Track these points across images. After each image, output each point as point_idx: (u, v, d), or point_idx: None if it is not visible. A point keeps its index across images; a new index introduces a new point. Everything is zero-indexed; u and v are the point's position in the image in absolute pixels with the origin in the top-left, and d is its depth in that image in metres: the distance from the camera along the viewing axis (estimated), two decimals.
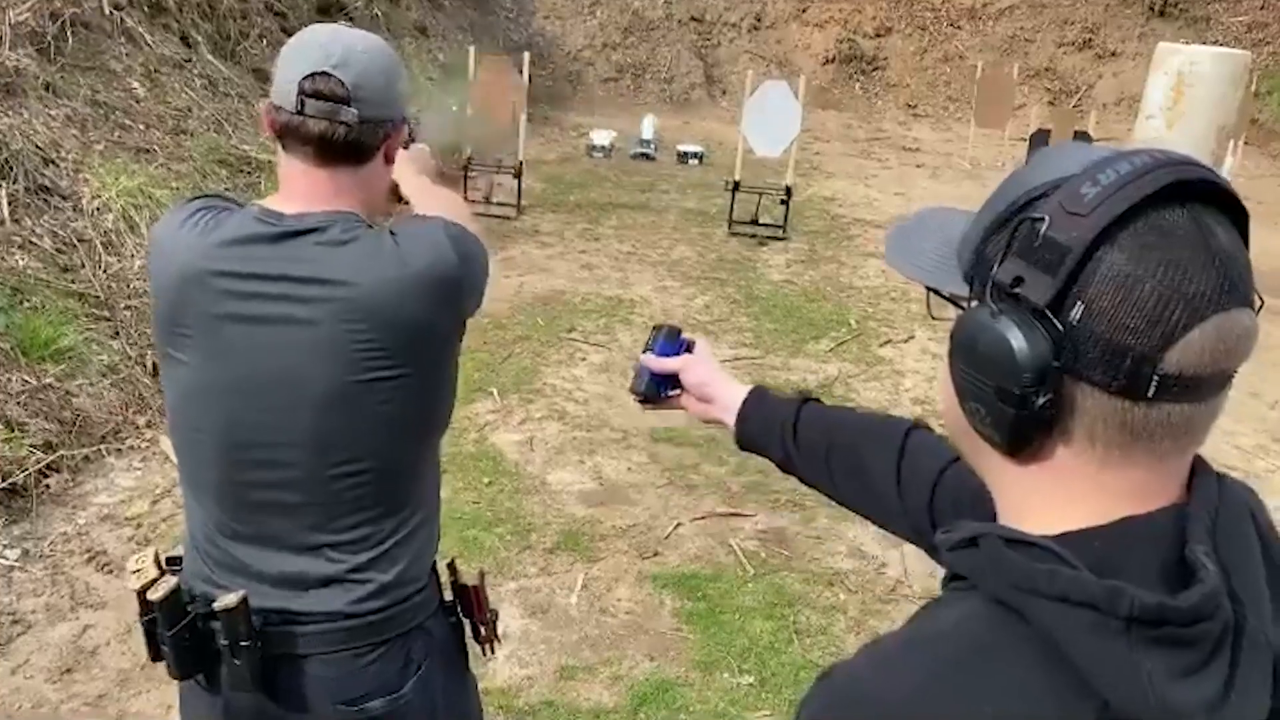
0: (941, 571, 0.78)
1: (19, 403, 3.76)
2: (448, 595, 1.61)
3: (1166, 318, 0.64)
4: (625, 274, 6.93)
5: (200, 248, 1.36)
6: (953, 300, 0.76)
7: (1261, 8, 14.34)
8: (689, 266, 7.19)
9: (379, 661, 1.43)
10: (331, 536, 1.41)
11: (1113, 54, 14.42)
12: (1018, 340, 0.66)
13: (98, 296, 4.48)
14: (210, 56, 7.04)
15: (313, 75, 1.33)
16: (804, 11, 14.72)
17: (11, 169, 4.62)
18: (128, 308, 4.54)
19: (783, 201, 7.93)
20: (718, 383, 1.32)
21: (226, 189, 5.90)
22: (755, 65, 12.60)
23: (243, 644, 1.36)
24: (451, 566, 1.62)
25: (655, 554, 3.67)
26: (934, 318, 0.80)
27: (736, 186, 7.81)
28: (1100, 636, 0.62)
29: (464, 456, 4.19)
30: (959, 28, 14.82)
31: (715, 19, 14.55)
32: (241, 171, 6.28)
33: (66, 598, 3.18)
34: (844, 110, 13.84)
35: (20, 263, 4.35)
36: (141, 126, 5.78)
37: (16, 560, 3.31)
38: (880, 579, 3.60)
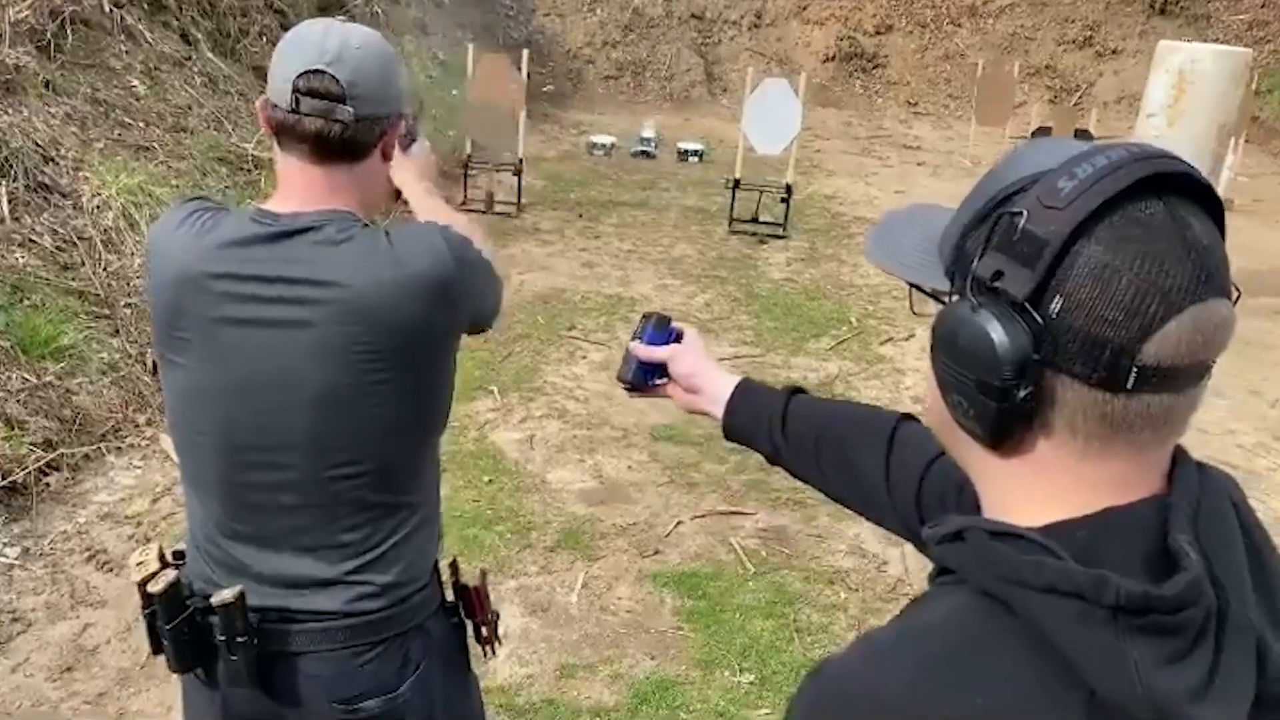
0: None
1: (19, 401, 3.76)
2: (449, 595, 1.60)
3: (1144, 309, 0.64)
4: (626, 272, 6.92)
5: (197, 249, 1.36)
6: (934, 296, 0.76)
7: (1262, 6, 14.32)
8: (689, 264, 7.19)
9: (376, 661, 1.43)
10: (330, 538, 1.41)
11: (1113, 52, 14.40)
12: (998, 334, 0.67)
13: (98, 294, 4.47)
14: (210, 54, 7.03)
15: (307, 73, 1.32)
16: (804, 9, 14.70)
17: (11, 167, 4.62)
18: (128, 305, 4.54)
19: (783, 199, 7.92)
20: (706, 373, 1.32)
21: (227, 187, 5.90)
22: (756, 63, 12.58)
23: (239, 640, 1.37)
24: (453, 566, 1.62)
25: (656, 552, 3.67)
26: (916, 313, 0.80)
27: (737, 184, 7.80)
28: (1087, 626, 0.63)
29: (464, 455, 4.18)
30: (960, 26, 14.80)
31: (715, 16, 14.52)
32: (242, 169, 6.28)
33: (66, 596, 3.18)
34: (844, 108, 13.83)
35: (20, 260, 4.34)
36: (141, 124, 5.78)
37: (16, 558, 3.30)
38: (881, 577, 3.60)
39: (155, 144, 5.70)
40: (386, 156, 1.45)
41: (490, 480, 4.02)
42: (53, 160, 4.92)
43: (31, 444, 3.65)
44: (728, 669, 3.08)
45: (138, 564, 1.43)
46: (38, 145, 4.88)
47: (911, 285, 0.80)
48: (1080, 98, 13.88)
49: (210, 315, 1.34)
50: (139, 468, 3.92)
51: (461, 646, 1.60)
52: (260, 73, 7.58)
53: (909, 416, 1.20)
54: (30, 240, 4.49)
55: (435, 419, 1.47)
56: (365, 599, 1.42)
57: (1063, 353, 0.66)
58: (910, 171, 10.89)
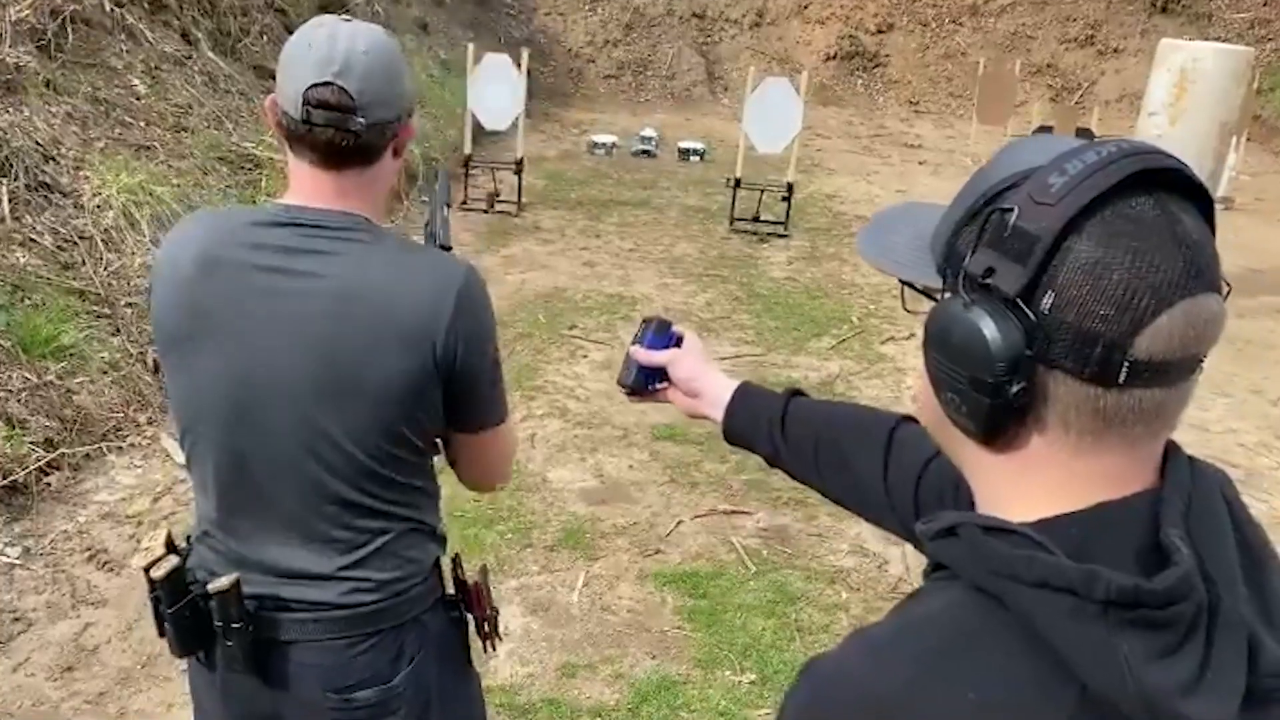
0: None
1: (20, 400, 3.76)
2: (450, 590, 1.60)
3: (1135, 304, 0.65)
4: (626, 271, 6.92)
5: (222, 228, 1.39)
6: (926, 293, 0.77)
7: (1264, 4, 14.31)
8: (690, 263, 7.18)
9: (371, 652, 1.44)
10: (322, 534, 1.42)
11: (1115, 51, 14.39)
12: (990, 330, 0.67)
13: (98, 294, 4.47)
14: (211, 53, 7.03)
15: (316, 85, 1.31)
16: (805, 8, 14.69)
17: (12, 166, 4.61)
18: (128, 305, 4.54)
19: (784, 198, 7.92)
20: (706, 377, 1.32)
21: (228, 186, 5.90)
22: (757, 62, 12.58)
23: (234, 626, 1.39)
24: (455, 561, 1.62)
25: (656, 552, 3.67)
26: (909, 311, 0.81)
27: (738, 183, 7.80)
28: (1078, 620, 0.63)
29: None
30: (961, 24, 14.79)
31: (717, 15, 14.52)
32: (242, 169, 6.28)
33: (67, 595, 3.18)
34: (845, 107, 13.82)
35: (21, 260, 4.34)
36: (142, 123, 5.78)
37: (17, 558, 3.30)
38: (882, 576, 3.59)
39: (156, 143, 5.70)
40: (398, 154, 1.45)
41: None
42: (53, 159, 4.92)
43: (32, 443, 3.65)
44: (729, 668, 3.07)
45: (145, 548, 1.45)
46: (38, 144, 4.88)
47: (904, 283, 0.80)
48: (1082, 96, 13.88)
49: (233, 290, 1.35)
50: (140, 467, 3.92)
51: (461, 641, 1.61)
52: (261, 72, 7.59)
53: (908, 418, 1.20)
54: (31, 239, 4.49)
55: (421, 442, 1.46)
56: (360, 592, 1.43)
57: (1055, 348, 0.66)
58: (911, 170, 10.89)
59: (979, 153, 11.15)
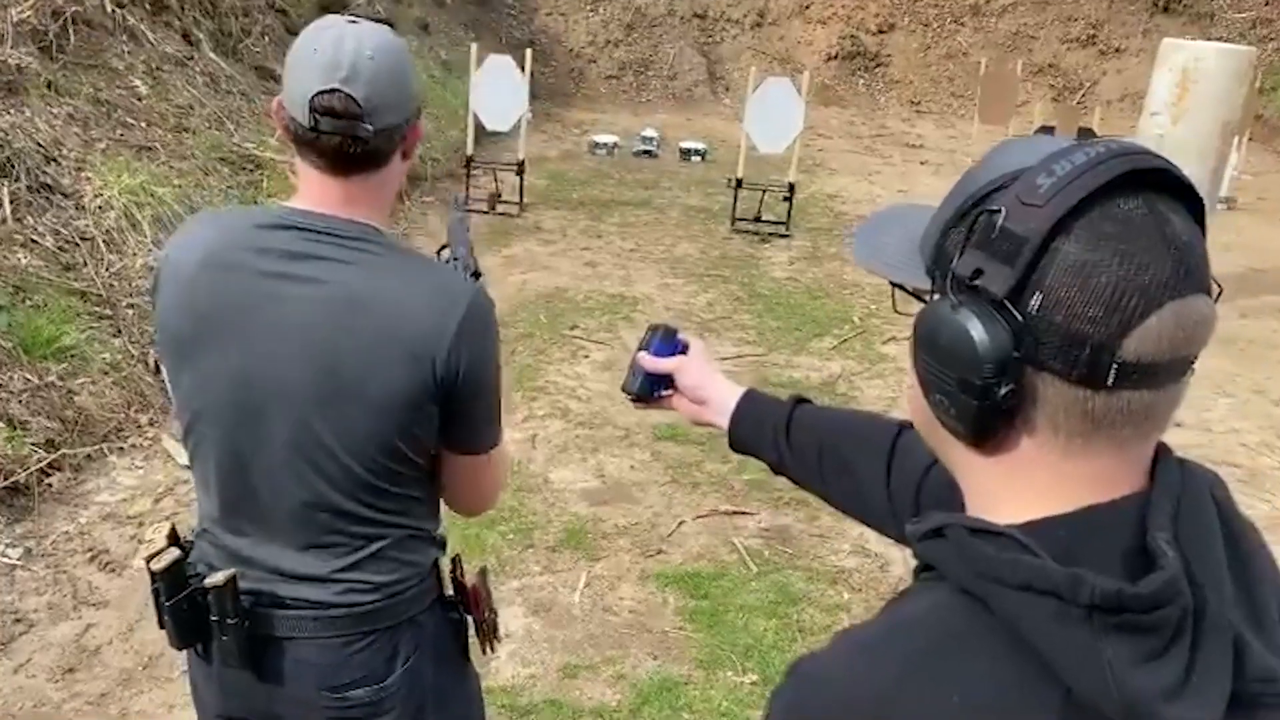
0: None
1: (21, 401, 3.76)
2: (449, 590, 1.60)
3: (1123, 305, 0.64)
4: (628, 271, 6.91)
5: (230, 230, 1.40)
6: (916, 295, 0.76)
7: (1266, 4, 14.29)
8: (692, 264, 7.18)
9: (365, 651, 1.44)
10: (319, 537, 1.42)
11: (1117, 50, 14.38)
12: (978, 332, 0.67)
13: (99, 295, 4.47)
14: (212, 54, 7.03)
15: (323, 93, 1.29)
16: (807, 8, 14.68)
17: (13, 167, 4.62)
18: (130, 306, 4.54)
19: (786, 198, 7.91)
20: (711, 385, 1.32)
21: (229, 187, 5.90)
22: (758, 62, 12.57)
23: (230, 621, 1.40)
24: (455, 563, 1.62)
25: (658, 552, 3.67)
26: (899, 313, 0.80)
27: (739, 184, 7.79)
28: (1063, 624, 0.63)
29: None
30: (962, 24, 14.77)
31: (718, 15, 14.51)
32: (244, 169, 6.28)
33: (69, 597, 3.18)
34: (847, 107, 13.81)
35: (22, 261, 4.34)
36: (143, 124, 5.78)
37: (19, 559, 3.30)
38: (884, 577, 3.59)
39: (157, 144, 5.70)
40: (406, 156, 1.44)
41: None
42: (55, 160, 4.92)
43: (34, 444, 3.65)
44: (730, 669, 3.07)
45: (148, 540, 1.47)
46: (40, 146, 4.88)
47: (895, 285, 0.80)
48: (1083, 96, 13.86)
49: (238, 294, 1.35)
50: (141, 468, 3.92)
51: (459, 642, 1.60)
52: (263, 72, 7.59)
53: (911, 425, 1.20)
54: (32, 241, 4.49)
55: (419, 456, 1.45)
56: (355, 592, 1.43)
57: (1043, 350, 0.66)
58: (913, 170, 10.88)
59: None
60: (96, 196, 4.90)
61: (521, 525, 3.75)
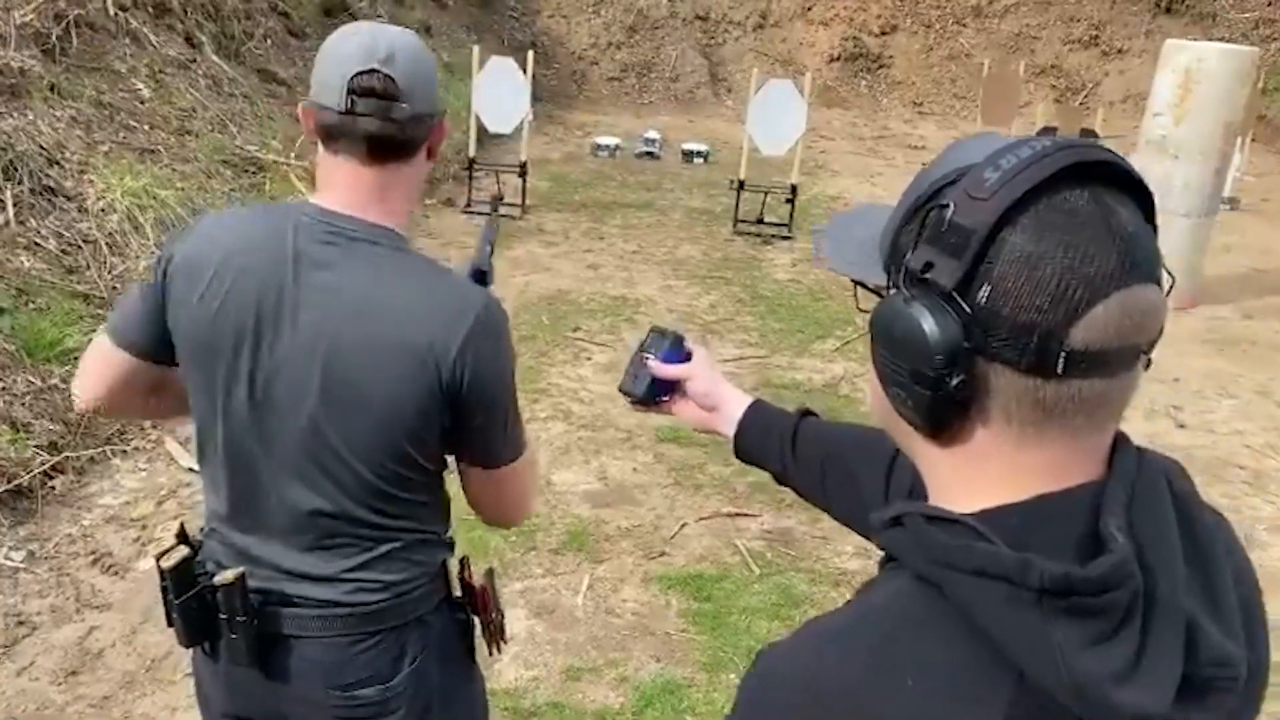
0: None
1: (24, 404, 3.76)
2: (456, 591, 1.60)
3: (1069, 295, 0.65)
4: (630, 273, 6.91)
5: (253, 229, 1.41)
6: (876, 291, 0.78)
7: (1269, 4, 14.27)
8: (694, 265, 7.18)
9: (372, 650, 1.45)
10: (330, 541, 1.43)
11: (1119, 51, 14.37)
12: (929, 324, 0.68)
13: (102, 298, 4.48)
14: (215, 57, 7.04)
15: (361, 73, 1.32)
16: (809, 9, 14.68)
17: (16, 170, 4.62)
18: None
19: (788, 200, 7.91)
20: (721, 393, 1.34)
21: (232, 190, 5.91)
22: (760, 64, 12.57)
23: (239, 619, 1.40)
24: (463, 563, 1.62)
25: (661, 554, 3.66)
26: (862, 310, 0.81)
27: (741, 185, 7.79)
28: (1014, 608, 0.64)
29: None
30: (965, 25, 14.77)
31: (720, 17, 14.51)
32: (246, 172, 6.28)
33: (72, 599, 3.18)
34: (849, 108, 13.81)
35: (25, 264, 4.35)
36: (146, 127, 5.79)
37: (22, 562, 3.30)
38: None
39: (160, 147, 5.70)
40: (432, 154, 1.45)
41: None
42: (58, 163, 4.93)
43: (37, 447, 3.65)
44: (734, 671, 3.07)
45: (158, 538, 1.49)
46: (42, 148, 4.88)
47: (856, 282, 0.82)
48: (1086, 97, 13.85)
49: (257, 295, 1.36)
50: (144, 470, 3.92)
51: (465, 643, 1.60)
52: (265, 75, 7.59)
53: None
54: (35, 243, 4.49)
55: (429, 463, 1.45)
56: (364, 592, 1.43)
57: (993, 340, 0.67)
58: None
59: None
60: (99, 199, 4.90)
61: (524, 527, 3.74)
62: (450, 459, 1.50)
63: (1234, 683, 0.68)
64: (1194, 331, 6.55)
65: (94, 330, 4.26)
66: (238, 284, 1.36)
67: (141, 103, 5.93)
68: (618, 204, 8.72)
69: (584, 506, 3.94)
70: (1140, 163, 6.99)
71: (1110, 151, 0.69)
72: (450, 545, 1.57)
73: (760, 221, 7.95)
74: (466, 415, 1.40)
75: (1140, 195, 0.70)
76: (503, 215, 7.85)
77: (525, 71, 7.74)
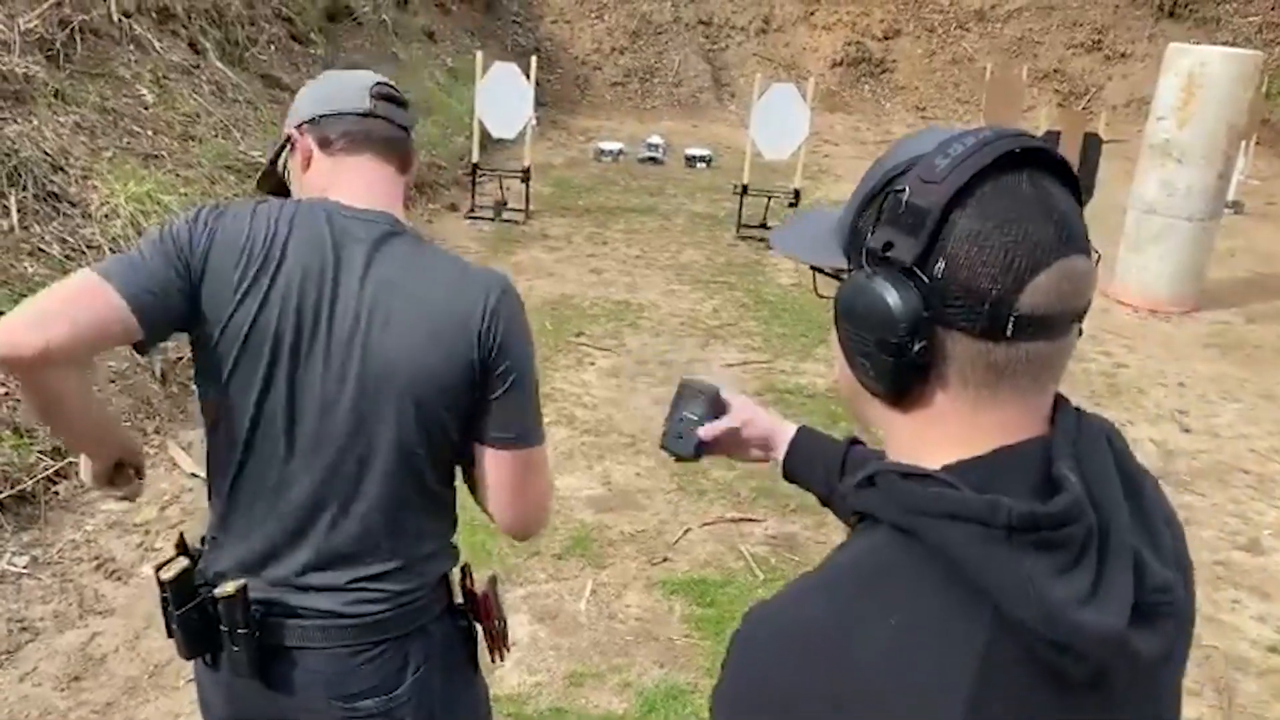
0: None
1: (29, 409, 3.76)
2: (458, 599, 1.60)
3: (1015, 265, 0.73)
4: (633, 278, 6.91)
5: (312, 222, 1.40)
6: (835, 275, 0.86)
7: (1272, 8, 14.27)
8: (697, 270, 7.18)
9: (376, 661, 1.44)
10: (331, 547, 1.42)
11: (1122, 55, 14.36)
12: (892, 296, 0.76)
13: None
14: (218, 62, 7.05)
15: (381, 83, 1.50)
16: (812, 14, 14.70)
17: (20, 176, 4.63)
18: None
19: (791, 204, 7.91)
20: (773, 429, 1.39)
21: (235, 195, 5.91)
22: (763, 68, 12.58)
23: (240, 631, 1.40)
24: (465, 571, 1.62)
25: (664, 560, 3.66)
26: (820, 295, 0.89)
27: (745, 190, 7.80)
28: (986, 545, 0.71)
29: None
30: (967, 30, 14.78)
31: (723, 22, 14.53)
32: (249, 177, 6.28)
33: (75, 605, 3.18)
34: (852, 113, 13.82)
35: (29, 269, 4.35)
36: (150, 133, 5.80)
37: (25, 567, 3.30)
38: None
39: (164, 152, 5.71)
40: (410, 169, 1.55)
41: None
42: (62, 169, 4.94)
43: (40, 452, 3.65)
44: None
45: (159, 548, 1.48)
46: (47, 154, 4.89)
47: (814, 269, 0.89)
48: (1089, 101, 13.85)
49: (311, 300, 1.37)
50: (147, 476, 3.91)
51: (468, 650, 1.60)
52: (269, 81, 7.61)
53: None
54: (39, 249, 4.50)
55: (456, 434, 1.46)
56: (366, 602, 1.43)
57: (949, 309, 0.75)
58: None
59: None
60: (103, 205, 4.91)
61: None
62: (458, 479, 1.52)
63: (1173, 607, 0.76)
64: (1198, 336, 6.54)
65: None
66: (288, 273, 1.35)
67: (145, 108, 5.94)
68: (621, 209, 8.72)
69: (587, 512, 3.94)
70: (1144, 166, 6.99)
71: (1040, 140, 0.77)
72: (455, 555, 1.57)
73: (763, 226, 7.95)
74: (500, 379, 1.41)
75: (1068, 178, 0.78)
76: (506, 220, 7.86)
77: (528, 77, 7.75)
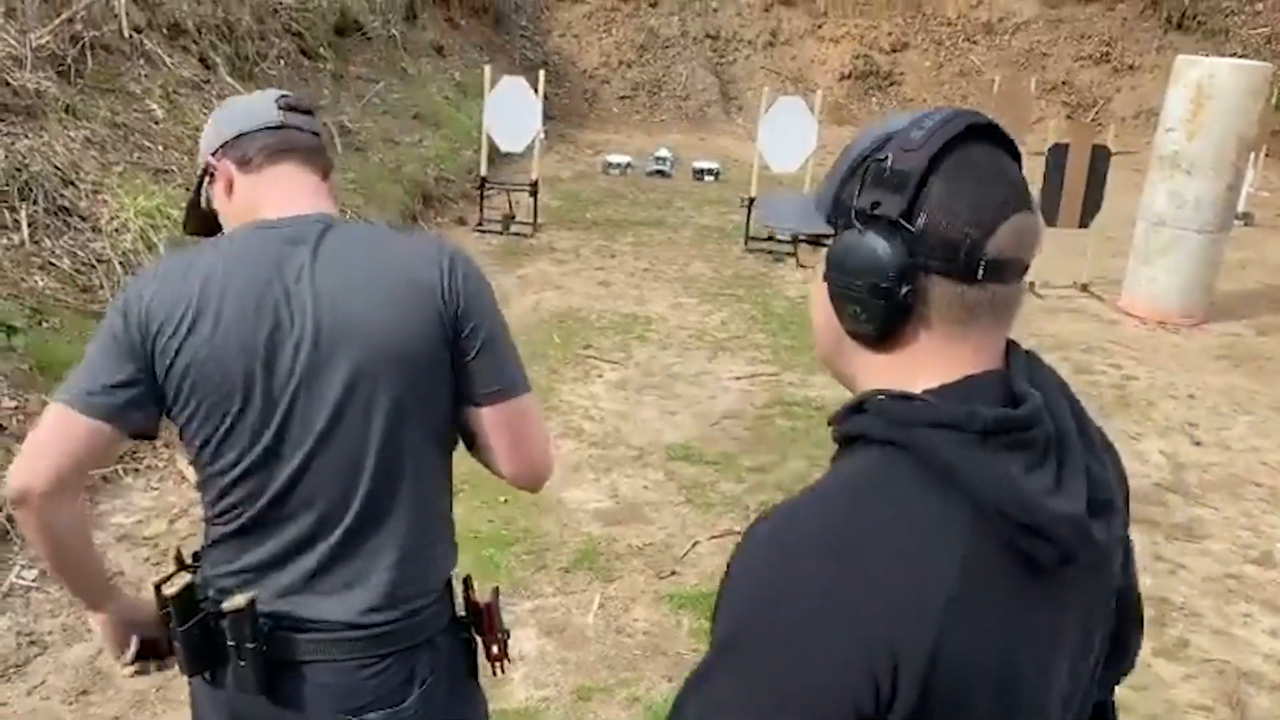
0: None
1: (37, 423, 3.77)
2: (461, 611, 1.60)
3: (982, 219, 0.87)
4: (641, 291, 6.92)
5: (250, 255, 1.41)
6: (817, 241, 0.98)
7: None
8: (705, 283, 7.18)
9: (383, 674, 1.44)
10: (339, 549, 1.42)
11: (1130, 67, 14.35)
12: (881, 246, 0.88)
13: None
14: (229, 77, 7.09)
15: (286, 96, 1.52)
16: (819, 27, 14.73)
17: (31, 190, 4.66)
18: None
19: None
20: None
21: None
22: (771, 81, 12.60)
23: (248, 646, 1.39)
24: (466, 582, 1.62)
25: (672, 573, 3.64)
26: (803, 265, 1.12)
27: (752, 202, 7.80)
28: (965, 448, 0.84)
29: (480, 475, 4.14)
30: (975, 42, 14.79)
31: (730, 36, 14.57)
32: None
33: (83, 619, 3.18)
34: (860, 125, 13.79)
35: (40, 283, 4.37)
36: (160, 147, 5.83)
37: (34, 581, 3.31)
38: None
39: (174, 167, 5.74)
40: (327, 177, 1.58)
41: (506, 500, 4.00)
42: (72, 184, 4.96)
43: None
44: None
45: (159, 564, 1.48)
46: (58, 169, 4.92)
47: (795, 240, 1.08)
48: (1097, 113, 13.84)
49: (266, 320, 1.38)
50: (156, 489, 3.93)
51: (471, 663, 1.60)
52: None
53: None
54: (50, 263, 4.52)
55: (435, 430, 1.47)
56: (373, 610, 1.43)
57: (931, 255, 0.88)
58: None
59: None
60: (113, 219, 4.94)
61: (534, 546, 3.74)
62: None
63: (1114, 504, 0.91)
64: (1208, 348, 6.51)
65: None
66: (233, 307, 1.36)
67: (155, 123, 5.98)
68: (629, 222, 8.74)
69: (595, 525, 3.93)
70: (1152, 178, 6.98)
71: (989, 118, 0.92)
72: (455, 558, 1.57)
73: (771, 239, 7.95)
74: (472, 335, 1.43)
75: (1012, 149, 0.93)
76: (514, 233, 7.88)
77: (537, 90, 7.77)
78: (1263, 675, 3.27)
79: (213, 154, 1.50)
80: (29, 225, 4.55)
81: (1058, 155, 7.09)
